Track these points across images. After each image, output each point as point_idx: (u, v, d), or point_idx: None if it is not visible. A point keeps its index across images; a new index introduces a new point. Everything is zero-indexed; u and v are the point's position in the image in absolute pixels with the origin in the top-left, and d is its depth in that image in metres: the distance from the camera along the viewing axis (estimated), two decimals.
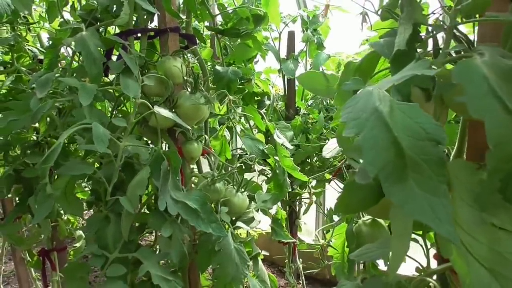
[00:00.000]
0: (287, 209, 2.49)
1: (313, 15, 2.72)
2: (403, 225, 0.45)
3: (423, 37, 0.54)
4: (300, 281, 2.90)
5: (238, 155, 1.63)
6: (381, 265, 1.23)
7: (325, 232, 2.18)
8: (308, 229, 3.29)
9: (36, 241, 1.81)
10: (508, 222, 0.43)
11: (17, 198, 1.64)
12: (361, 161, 0.46)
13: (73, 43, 1.10)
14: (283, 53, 2.61)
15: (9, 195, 1.67)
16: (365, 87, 0.41)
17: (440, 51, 0.49)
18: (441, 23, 0.52)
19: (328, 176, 2.24)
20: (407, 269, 0.72)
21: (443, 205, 0.36)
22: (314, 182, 2.35)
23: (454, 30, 0.49)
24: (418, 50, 0.57)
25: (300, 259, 2.75)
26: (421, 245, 0.75)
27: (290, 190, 2.22)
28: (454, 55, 0.51)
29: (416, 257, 0.79)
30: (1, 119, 1.11)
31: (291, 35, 2.67)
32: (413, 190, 0.36)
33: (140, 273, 1.00)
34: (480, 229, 0.45)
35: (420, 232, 0.71)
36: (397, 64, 0.47)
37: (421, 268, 0.71)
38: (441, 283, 0.65)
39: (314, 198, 2.50)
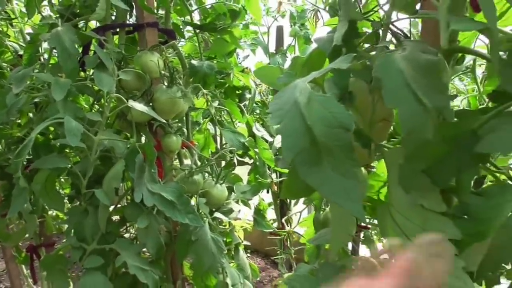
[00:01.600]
0: (278, 201, 2.53)
1: (301, 10, 2.74)
2: (340, 210, 0.47)
3: (368, 33, 0.56)
4: (293, 270, 2.92)
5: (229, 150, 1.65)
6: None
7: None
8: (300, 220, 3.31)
9: (23, 237, 1.82)
10: (435, 203, 0.45)
11: (2, 195, 1.66)
12: None
13: None
14: (272, 48, 2.64)
15: None
16: (294, 80, 0.43)
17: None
18: (381, 19, 0.54)
19: None
20: None
21: (355, 186, 0.39)
22: None
23: (391, 26, 0.51)
24: (367, 45, 0.60)
25: (292, 250, 2.78)
26: None
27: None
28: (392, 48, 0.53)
29: None
30: None
31: (279, 30, 2.69)
32: (327, 173, 0.39)
33: (117, 264, 1.03)
34: (412, 210, 0.48)
35: None
36: (334, 59, 0.49)
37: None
38: None
39: None
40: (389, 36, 0.61)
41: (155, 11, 1.27)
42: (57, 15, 1.27)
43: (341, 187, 0.38)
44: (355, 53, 0.47)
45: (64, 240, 2.20)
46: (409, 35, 0.52)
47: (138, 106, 1.05)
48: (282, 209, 2.61)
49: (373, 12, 0.57)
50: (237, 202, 1.38)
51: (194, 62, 1.25)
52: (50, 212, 1.86)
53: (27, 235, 1.77)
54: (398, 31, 0.51)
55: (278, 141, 0.73)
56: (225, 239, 1.33)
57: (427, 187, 0.45)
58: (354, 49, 0.51)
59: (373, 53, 0.54)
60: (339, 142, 0.38)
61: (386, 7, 0.57)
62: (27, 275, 2.50)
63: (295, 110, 0.39)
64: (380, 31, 0.55)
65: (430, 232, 0.47)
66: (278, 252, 2.66)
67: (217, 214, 1.26)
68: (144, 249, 1.14)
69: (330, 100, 0.40)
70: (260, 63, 2.86)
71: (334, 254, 0.50)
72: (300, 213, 1.62)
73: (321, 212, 0.92)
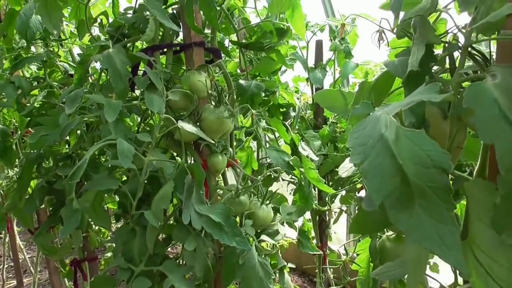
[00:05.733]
0: (317, 218, 2.48)
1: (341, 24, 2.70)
2: (418, 249, 0.44)
3: (439, 55, 0.53)
4: None
5: (266, 164, 1.63)
6: None
7: (356, 243, 2.16)
8: (339, 238, 3.27)
9: (68, 252, 1.86)
10: None
11: (50, 209, 1.69)
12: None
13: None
14: (311, 62, 2.61)
15: (43, 206, 1.72)
16: (373, 111, 0.41)
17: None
18: (457, 41, 0.51)
19: (359, 185, 2.21)
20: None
21: (451, 232, 0.35)
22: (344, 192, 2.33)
23: (470, 49, 0.48)
24: (436, 67, 0.57)
25: (331, 269, 2.72)
26: None
27: (318, 201, 2.23)
28: (471, 73, 0.50)
29: (445, 271, 0.77)
30: (33, 134, 1.15)
31: (319, 44, 2.66)
32: (420, 217, 0.36)
33: (165, 287, 1.01)
34: (500, 250, 0.44)
35: None
36: (410, 85, 0.46)
37: (445, 286, 0.70)
38: None
39: (344, 207, 2.49)
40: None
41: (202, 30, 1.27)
42: (107, 36, 1.30)
43: (435, 233, 0.35)
44: (432, 79, 0.44)
45: (106, 255, 2.23)
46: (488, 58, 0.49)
47: (188, 126, 1.05)
48: (321, 227, 2.57)
49: (446, 34, 0.54)
50: (282, 223, 1.35)
51: (241, 81, 1.24)
52: (93, 227, 1.89)
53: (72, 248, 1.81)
54: (478, 54, 0.48)
55: (343, 169, 0.71)
56: (270, 261, 1.30)
57: None
58: (430, 74, 0.48)
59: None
60: (435, 184, 0.35)
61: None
62: (69, 287, 2.55)
63: (383, 147, 0.36)
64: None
65: None
66: (317, 271, 2.61)
67: (263, 237, 1.23)
68: None
69: (422, 136, 0.37)
70: (298, 78, 2.84)
71: None
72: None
73: (377, 239, 0.89)
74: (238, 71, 1.68)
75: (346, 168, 0.70)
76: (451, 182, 0.50)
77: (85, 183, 1.17)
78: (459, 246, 0.35)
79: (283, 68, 2.61)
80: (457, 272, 0.71)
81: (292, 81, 2.86)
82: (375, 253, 0.87)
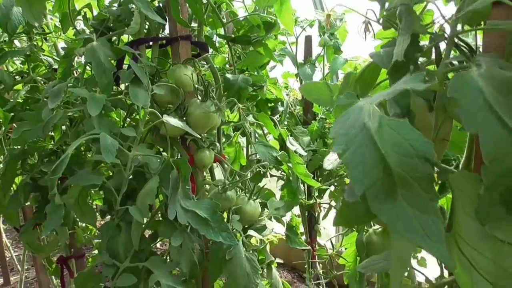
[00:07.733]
0: (306, 214, 2.48)
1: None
2: (402, 242, 0.43)
3: (425, 46, 0.53)
4: (321, 287, 2.87)
5: (256, 161, 1.63)
6: None
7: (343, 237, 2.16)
8: (328, 233, 3.27)
9: (55, 249, 1.83)
10: (511, 235, 0.41)
11: (35, 206, 1.67)
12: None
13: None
14: (300, 58, 2.60)
15: (28, 203, 1.69)
16: (357, 101, 0.40)
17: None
18: (444, 32, 0.50)
19: (347, 181, 2.21)
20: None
21: (434, 223, 0.35)
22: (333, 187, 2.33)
23: (456, 39, 0.47)
24: (422, 59, 0.56)
25: (320, 264, 2.73)
26: None
27: (307, 197, 2.22)
28: (457, 64, 0.49)
29: (433, 265, 0.77)
30: (15, 129, 1.12)
31: (308, 40, 2.65)
32: (403, 208, 0.35)
33: (150, 283, 1.00)
34: (484, 242, 0.44)
35: None
36: (395, 76, 0.45)
37: (430, 279, 0.69)
38: None
39: (333, 203, 2.49)
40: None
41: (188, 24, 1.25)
42: (92, 30, 1.27)
43: (418, 224, 0.34)
44: (417, 70, 0.43)
45: (94, 252, 2.21)
46: (474, 49, 0.48)
47: (173, 121, 1.03)
48: (310, 223, 2.56)
49: (432, 24, 0.54)
50: (270, 218, 1.34)
51: (228, 75, 1.22)
52: (80, 224, 1.87)
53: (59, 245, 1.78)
54: (463, 45, 0.47)
55: (327, 162, 0.70)
56: (257, 256, 1.29)
57: (503, 216, 0.41)
58: (416, 65, 0.47)
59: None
60: (418, 174, 0.34)
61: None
62: (56, 285, 2.52)
63: (365, 136, 0.35)
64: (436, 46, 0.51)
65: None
66: (306, 266, 2.62)
67: (251, 232, 1.22)
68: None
69: (405, 125, 0.36)
70: (288, 74, 2.83)
71: (395, 286, 0.45)
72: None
73: (364, 233, 0.88)
74: (227, 66, 1.66)
75: (330, 161, 0.69)
76: (436, 174, 0.49)
77: None
78: (443, 237, 0.34)
79: (273, 63, 2.60)
80: (443, 264, 0.71)
81: (282, 77, 2.84)
82: (362, 247, 0.87)
